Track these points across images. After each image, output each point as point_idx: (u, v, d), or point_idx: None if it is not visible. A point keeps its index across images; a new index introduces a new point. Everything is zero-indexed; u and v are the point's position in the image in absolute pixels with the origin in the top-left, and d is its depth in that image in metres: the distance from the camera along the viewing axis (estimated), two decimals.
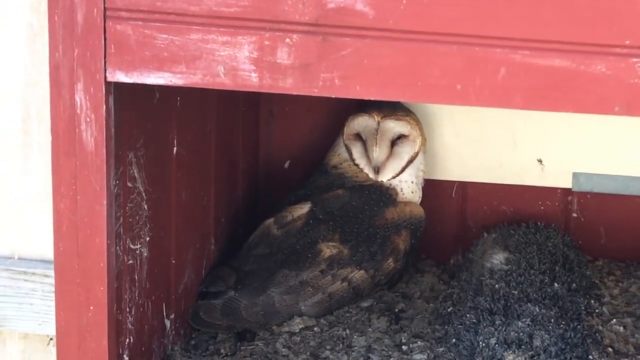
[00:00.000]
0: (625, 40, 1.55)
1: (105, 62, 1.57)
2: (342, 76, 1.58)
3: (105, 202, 1.62)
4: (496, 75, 1.58)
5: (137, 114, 1.79)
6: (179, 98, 1.97)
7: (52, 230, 1.67)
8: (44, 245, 2.35)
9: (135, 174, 1.81)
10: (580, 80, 1.58)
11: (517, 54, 1.57)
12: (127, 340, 1.83)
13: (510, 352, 1.93)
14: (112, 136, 1.62)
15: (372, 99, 1.60)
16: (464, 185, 2.60)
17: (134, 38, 1.56)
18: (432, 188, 2.57)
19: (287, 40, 1.56)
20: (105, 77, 1.58)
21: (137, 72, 1.57)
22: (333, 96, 1.59)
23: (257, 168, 2.59)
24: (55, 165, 1.62)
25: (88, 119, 1.59)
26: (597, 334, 2.11)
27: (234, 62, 1.57)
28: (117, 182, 1.72)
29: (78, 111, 1.59)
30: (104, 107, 1.59)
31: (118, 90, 1.62)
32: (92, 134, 1.59)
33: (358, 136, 2.40)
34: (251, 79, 1.58)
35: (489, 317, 2.06)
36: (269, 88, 1.58)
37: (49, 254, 2.14)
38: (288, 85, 1.58)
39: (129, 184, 1.79)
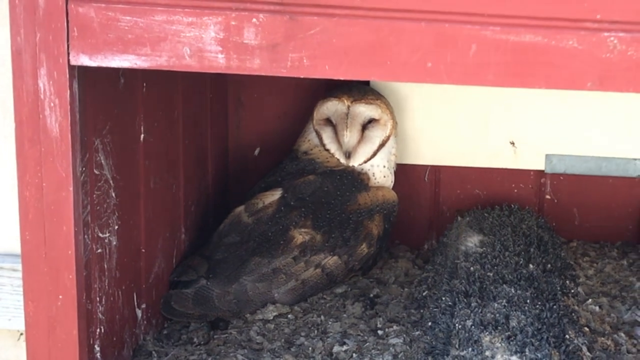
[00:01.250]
0: (597, 15, 1.54)
1: (68, 45, 1.54)
2: (311, 56, 1.55)
3: (71, 189, 1.59)
4: (467, 52, 1.56)
5: (102, 99, 1.75)
6: (144, 84, 1.94)
7: (18, 221, 1.64)
8: (11, 239, 2.32)
9: (102, 161, 1.77)
10: (551, 55, 1.56)
11: (487, 30, 1.55)
12: (98, 330, 1.80)
13: (487, 333, 1.91)
14: (77, 121, 1.58)
15: (341, 78, 1.57)
16: (436, 169, 2.58)
17: (97, 20, 1.52)
18: (404, 173, 2.55)
19: (254, 20, 1.53)
20: (69, 60, 1.55)
21: (101, 55, 1.54)
22: (302, 76, 1.56)
23: (227, 156, 2.56)
24: (19, 152, 1.59)
25: (52, 104, 1.56)
26: (573, 314, 2.10)
27: (199, 44, 1.54)
28: (84, 169, 1.68)
29: (42, 96, 1.56)
30: (68, 91, 1.56)
31: (82, 75, 1.59)
32: (57, 119, 1.56)
33: (328, 121, 2.37)
34: (218, 60, 1.55)
35: (465, 300, 2.04)
36: (237, 69, 1.55)
37: (17, 247, 2.11)
38: (255, 66, 1.55)
39: (96, 171, 1.75)
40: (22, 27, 1.54)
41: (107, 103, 1.78)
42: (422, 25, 1.55)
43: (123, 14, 1.52)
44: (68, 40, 1.53)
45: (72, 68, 1.55)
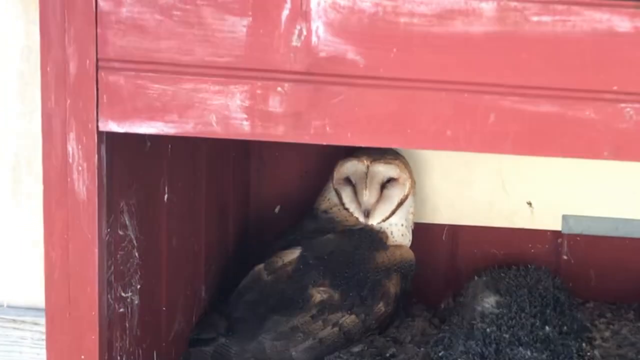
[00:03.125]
0: (613, 86, 1.56)
1: (97, 112, 1.57)
2: (334, 124, 1.58)
3: (97, 251, 1.62)
4: (486, 121, 1.59)
5: (128, 162, 1.79)
6: (170, 146, 1.98)
7: (41, 277, 1.67)
8: (33, 293, 2.35)
9: (127, 222, 1.81)
10: (569, 125, 1.58)
11: (506, 100, 1.58)
12: None
13: None
14: (104, 185, 1.62)
15: (363, 145, 1.60)
16: (454, 229, 2.60)
17: (126, 88, 1.56)
18: (422, 231, 2.57)
19: (279, 88, 1.57)
20: (98, 126, 1.58)
21: (129, 121, 1.58)
22: (324, 143, 1.59)
23: (248, 214, 2.59)
24: (47, 214, 1.62)
25: (80, 168, 1.59)
26: None
27: (225, 111, 1.57)
28: (109, 230, 1.71)
29: (70, 160, 1.59)
30: (96, 156, 1.59)
31: (110, 140, 1.62)
32: (84, 183, 1.59)
33: (348, 180, 2.40)
34: (243, 127, 1.58)
35: None
36: (261, 136, 1.59)
37: (39, 301, 2.14)
38: (279, 133, 1.59)
39: (120, 232, 1.79)
40: (53, 93, 1.58)
41: (133, 166, 1.81)
42: (442, 95, 1.58)
43: (152, 82, 1.56)
44: (97, 107, 1.57)
45: (100, 134, 1.59)
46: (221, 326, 2.20)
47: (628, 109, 1.58)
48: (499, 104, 1.58)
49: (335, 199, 2.42)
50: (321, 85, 1.56)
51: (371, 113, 1.58)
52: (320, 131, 1.59)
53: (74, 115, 1.58)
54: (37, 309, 2.34)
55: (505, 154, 2.48)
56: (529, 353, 2.08)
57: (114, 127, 1.58)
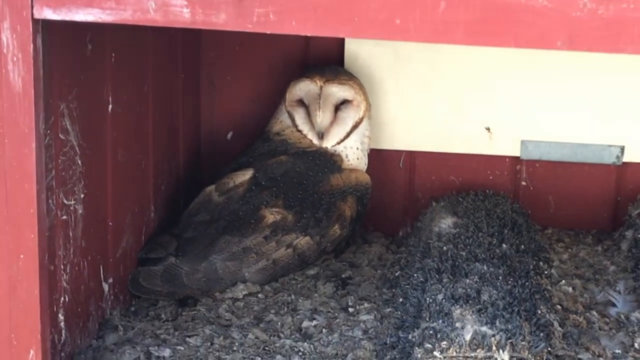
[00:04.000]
0: None
1: None
2: (277, 11, 1.53)
3: (34, 145, 1.55)
4: (436, 9, 1.54)
5: (69, 63, 1.73)
6: (113, 54, 1.92)
7: None
8: None
9: (68, 127, 1.75)
10: (521, 13, 1.53)
11: None
12: (62, 298, 1.77)
13: (458, 306, 1.88)
14: (41, 77, 1.55)
15: (308, 34, 1.55)
16: (411, 155, 2.56)
17: None
18: (379, 158, 2.53)
19: None
20: (32, 14, 1.51)
21: (65, 8, 1.51)
22: (268, 32, 1.53)
23: (199, 138, 2.54)
24: None
25: (15, 59, 1.53)
26: (545, 292, 2.08)
27: None
28: (49, 131, 1.66)
29: (5, 50, 1.52)
30: (32, 46, 1.52)
31: (47, 31, 1.56)
32: (20, 74, 1.53)
33: (300, 102, 2.35)
34: (183, 15, 1.52)
35: (437, 276, 2.02)
36: (202, 24, 1.53)
37: None
38: (221, 21, 1.53)
39: (62, 136, 1.73)
40: None
41: (73, 68, 1.76)
42: None
43: None
44: None
45: (35, 22, 1.52)
46: (171, 246, 2.15)
47: None
48: None
49: (287, 121, 2.36)
50: None
51: (317, 0, 1.53)
52: (263, 19, 1.53)
53: (8, 3, 1.51)
54: None
55: (463, 79, 2.49)
56: (485, 268, 2.04)
57: (49, 14, 1.51)
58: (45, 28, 1.56)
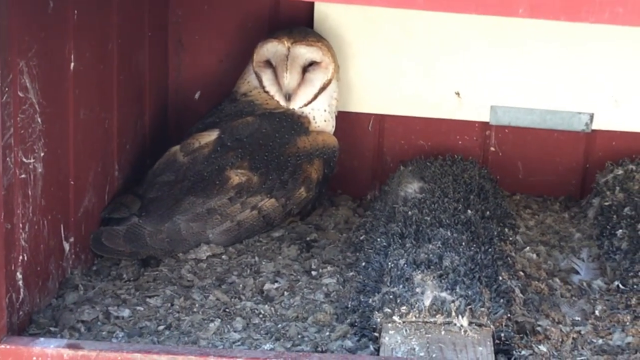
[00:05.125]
0: None
1: None
2: None
3: None
4: None
5: (28, 20, 1.71)
6: (75, 11, 1.89)
7: None
8: None
9: (28, 85, 1.73)
10: None
11: None
12: (21, 257, 1.75)
13: (419, 271, 1.89)
14: None
15: None
16: (380, 119, 2.55)
17: None
18: (348, 121, 2.51)
19: None
20: None
21: None
22: None
23: (167, 98, 2.52)
24: None
25: None
26: (508, 259, 2.08)
27: None
28: (7, 89, 1.64)
29: None
30: None
31: None
32: None
33: (268, 63, 2.33)
34: None
35: (400, 241, 2.02)
36: None
37: None
38: None
39: (20, 94, 1.71)
40: None
41: (33, 25, 1.73)
42: None
43: None
44: None
45: None
46: (134, 206, 2.14)
47: None
48: None
49: (255, 82, 2.35)
50: None
51: None
52: None
53: None
54: None
55: (433, 42, 2.47)
56: (449, 233, 2.04)
57: None
58: None
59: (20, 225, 1.75)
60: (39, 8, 1.76)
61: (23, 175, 1.75)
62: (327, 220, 2.37)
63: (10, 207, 1.70)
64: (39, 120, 1.79)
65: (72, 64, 1.91)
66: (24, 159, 1.75)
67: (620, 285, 2.04)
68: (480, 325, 1.79)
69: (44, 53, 1.78)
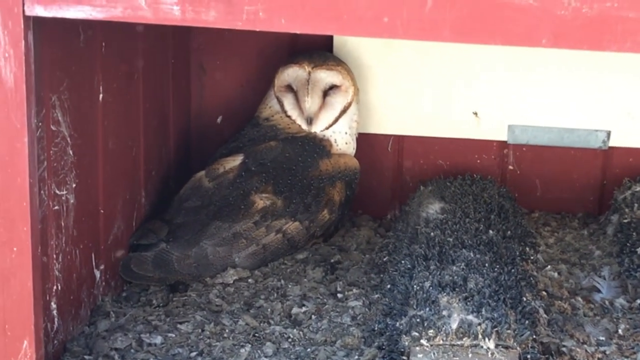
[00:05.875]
0: None
1: None
2: (267, 9, 1.55)
3: (26, 140, 1.57)
4: (423, 7, 1.56)
5: (60, 55, 1.75)
6: (104, 43, 1.93)
7: None
8: None
9: (59, 118, 1.77)
10: (507, 11, 1.56)
11: None
12: (55, 287, 1.79)
13: (445, 294, 1.92)
14: (33, 73, 1.57)
15: (297, 32, 1.57)
16: (399, 139, 2.58)
17: None
18: (367, 142, 2.55)
19: None
20: (24, 11, 1.53)
21: (56, 5, 1.53)
22: (257, 29, 1.56)
23: (189, 123, 2.56)
24: None
25: (7, 55, 1.54)
26: (531, 278, 2.11)
27: None
28: (40, 124, 1.68)
29: None
30: (23, 42, 1.54)
31: (38, 27, 1.58)
32: (12, 70, 1.55)
33: (289, 87, 2.37)
34: (173, 12, 1.54)
35: (424, 263, 2.05)
36: (192, 22, 1.55)
37: None
38: (211, 18, 1.55)
39: (53, 128, 1.75)
40: None
41: (65, 59, 1.77)
42: None
43: None
44: None
45: (27, 19, 1.54)
46: (162, 232, 2.17)
47: None
48: None
49: (276, 107, 2.38)
50: None
51: None
52: (252, 17, 1.55)
53: None
54: None
55: (450, 63, 2.51)
56: (472, 254, 2.07)
57: (40, 11, 1.53)
58: (37, 23, 1.57)
59: (54, 256, 1.79)
60: (70, 43, 1.80)
61: (56, 207, 1.79)
62: (349, 241, 2.41)
63: (45, 240, 1.73)
64: (71, 152, 1.82)
65: (101, 95, 1.95)
66: (57, 191, 1.79)
67: None
68: (507, 348, 1.82)
69: (75, 86, 1.82)
